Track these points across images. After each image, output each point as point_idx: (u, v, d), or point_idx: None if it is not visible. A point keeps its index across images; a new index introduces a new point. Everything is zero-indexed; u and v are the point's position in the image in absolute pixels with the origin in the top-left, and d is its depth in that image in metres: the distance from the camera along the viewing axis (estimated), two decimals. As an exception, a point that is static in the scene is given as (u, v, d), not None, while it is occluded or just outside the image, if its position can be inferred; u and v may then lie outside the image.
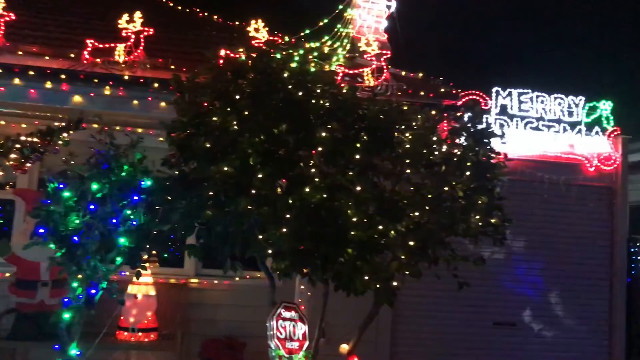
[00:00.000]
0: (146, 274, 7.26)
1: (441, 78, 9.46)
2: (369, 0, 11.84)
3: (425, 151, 5.64)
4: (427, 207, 5.32)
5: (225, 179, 5.12)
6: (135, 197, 5.40)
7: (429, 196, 5.38)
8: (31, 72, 7.37)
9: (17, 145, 6.83)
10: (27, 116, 7.82)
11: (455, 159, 5.61)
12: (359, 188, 5.12)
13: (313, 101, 5.32)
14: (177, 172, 5.66)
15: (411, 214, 5.30)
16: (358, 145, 5.25)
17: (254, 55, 5.65)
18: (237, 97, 5.42)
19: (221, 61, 5.81)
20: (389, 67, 8.98)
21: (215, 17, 10.78)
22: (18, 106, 7.59)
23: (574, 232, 10.16)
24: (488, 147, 5.91)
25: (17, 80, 7.38)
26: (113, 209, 5.40)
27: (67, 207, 5.23)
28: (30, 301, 7.06)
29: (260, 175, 5.05)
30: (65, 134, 7.08)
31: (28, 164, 6.99)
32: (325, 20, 10.62)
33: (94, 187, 5.30)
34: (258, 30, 8.14)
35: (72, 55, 7.80)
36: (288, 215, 5.03)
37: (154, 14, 8.54)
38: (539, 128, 10.19)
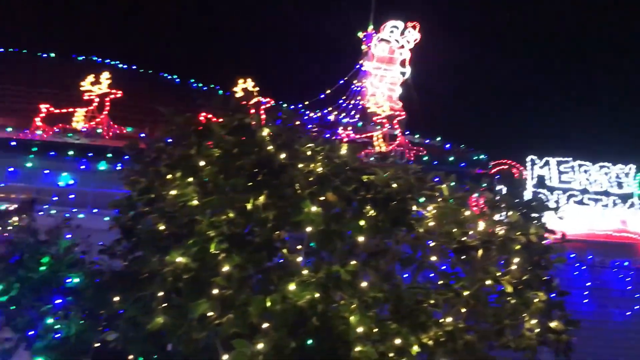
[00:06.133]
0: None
1: (465, 145, 8.07)
2: (381, 67, 10.91)
3: (455, 230, 4.13)
4: (462, 309, 3.76)
5: (179, 274, 3.67)
6: (59, 300, 3.94)
7: (465, 293, 3.83)
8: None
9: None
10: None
11: (498, 241, 4.08)
12: (364, 283, 3.62)
13: (300, 165, 3.93)
14: (125, 263, 4.26)
15: (441, 320, 3.74)
16: (362, 223, 3.78)
17: (229, 112, 4.34)
18: (202, 163, 4.07)
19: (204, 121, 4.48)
20: (404, 132, 7.66)
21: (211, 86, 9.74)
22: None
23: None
24: (539, 224, 4.40)
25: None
26: (30, 316, 3.94)
27: None
28: None
29: (225, 268, 3.60)
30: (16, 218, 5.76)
31: None
32: (328, 91, 9.60)
33: None
34: (248, 93, 6.79)
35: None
36: (265, 325, 3.53)
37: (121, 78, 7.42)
38: (584, 202, 8.72)
